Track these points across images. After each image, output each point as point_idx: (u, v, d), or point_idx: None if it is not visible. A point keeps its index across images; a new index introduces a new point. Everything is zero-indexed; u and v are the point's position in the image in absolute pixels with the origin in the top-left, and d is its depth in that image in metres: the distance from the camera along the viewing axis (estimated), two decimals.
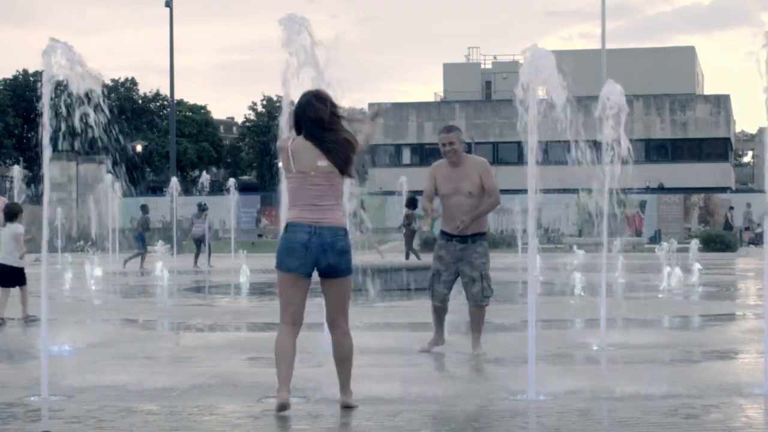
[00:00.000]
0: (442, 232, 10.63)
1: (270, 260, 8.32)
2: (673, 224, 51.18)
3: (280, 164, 7.50)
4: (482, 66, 78.56)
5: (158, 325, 14.67)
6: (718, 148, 67.71)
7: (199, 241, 29.92)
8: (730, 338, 12.44)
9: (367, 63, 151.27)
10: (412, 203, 27.32)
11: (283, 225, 7.46)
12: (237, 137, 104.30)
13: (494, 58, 79.05)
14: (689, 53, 73.94)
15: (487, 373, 9.04)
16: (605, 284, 11.25)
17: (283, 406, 7.13)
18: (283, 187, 8.01)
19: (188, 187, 63.77)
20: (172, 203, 34.42)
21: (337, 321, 7.38)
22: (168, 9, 47.24)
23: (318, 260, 7.18)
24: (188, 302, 18.17)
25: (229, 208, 32.17)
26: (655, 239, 43.81)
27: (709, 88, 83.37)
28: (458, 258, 10.45)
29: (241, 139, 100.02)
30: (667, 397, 7.91)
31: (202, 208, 30.01)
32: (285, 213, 8.20)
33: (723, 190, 59.35)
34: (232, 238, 31.54)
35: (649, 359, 10.31)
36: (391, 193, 38.68)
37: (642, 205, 52.65)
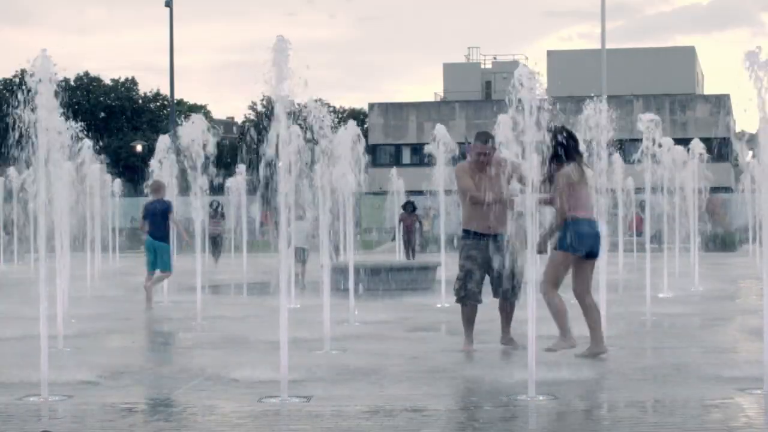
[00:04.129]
0: (474, 233, 10.56)
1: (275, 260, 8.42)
2: (672, 224, 51.10)
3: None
4: (482, 66, 78.48)
5: (157, 325, 14.65)
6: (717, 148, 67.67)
7: (214, 240, 30.42)
8: (730, 338, 12.44)
9: (366, 63, 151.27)
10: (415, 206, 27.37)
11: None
12: (237, 137, 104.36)
13: (494, 58, 78.95)
14: (689, 53, 73.84)
15: (488, 373, 9.03)
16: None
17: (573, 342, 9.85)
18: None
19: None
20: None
21: (586, 291, 10.06)
22: (168, 9, 47.20)
23: (592, 246, 9.99)
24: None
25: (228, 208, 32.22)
26: (656, 239, 43.73)
27: (709, 88, 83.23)
28: (491, 257, 10.51)
29: (242, 139, 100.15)
30: (667, 395, 7.91)
31: (216, 209, 30.60)
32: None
33: (723, 190, 59.31)
34: (232, 238, 31.49)
35: (650, 357, 10.30)
36: (384, 192, 38.30)
37: (641, 205, 52.57)
